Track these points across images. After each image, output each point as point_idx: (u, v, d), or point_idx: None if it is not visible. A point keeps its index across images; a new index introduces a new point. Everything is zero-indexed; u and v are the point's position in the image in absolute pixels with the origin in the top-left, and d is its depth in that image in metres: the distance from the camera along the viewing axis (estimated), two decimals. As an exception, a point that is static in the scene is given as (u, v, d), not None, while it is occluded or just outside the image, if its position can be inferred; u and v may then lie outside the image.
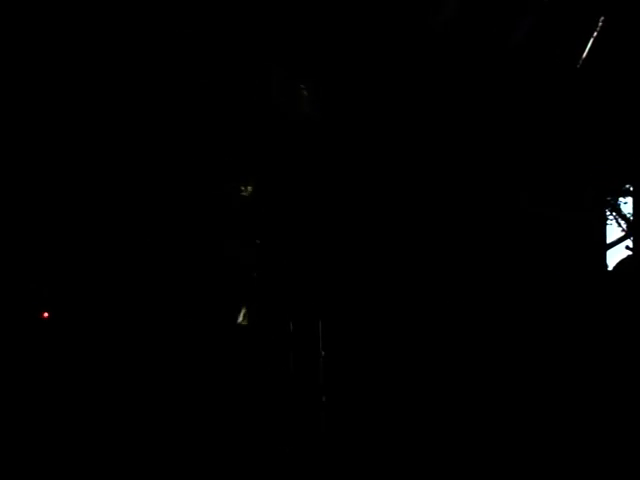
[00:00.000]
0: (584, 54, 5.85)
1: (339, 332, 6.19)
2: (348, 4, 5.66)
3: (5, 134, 5.70)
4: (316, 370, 6.01)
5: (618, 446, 5.63)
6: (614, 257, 6.17)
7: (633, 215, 6.04)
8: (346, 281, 6.25)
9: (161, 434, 5.63)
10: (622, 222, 5.98)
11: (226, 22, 5.60)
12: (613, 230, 6.04)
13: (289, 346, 6.11)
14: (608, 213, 6.03)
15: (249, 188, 6.49)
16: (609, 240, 6.29)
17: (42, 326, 5.83)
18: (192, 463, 5.57)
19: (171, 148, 6.10)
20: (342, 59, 5.82)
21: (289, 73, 5.83)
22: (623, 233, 6.05)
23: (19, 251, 5.88)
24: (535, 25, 5.73)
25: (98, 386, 5.71)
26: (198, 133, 6.03)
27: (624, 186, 5.99)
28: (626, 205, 6.02)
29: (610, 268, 6.23)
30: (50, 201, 6.05)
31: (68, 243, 6.12)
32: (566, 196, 5.96)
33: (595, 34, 5.82)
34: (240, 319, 6.23)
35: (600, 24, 5.82)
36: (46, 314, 5.57)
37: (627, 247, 6.06)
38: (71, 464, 5.41)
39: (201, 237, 6.26)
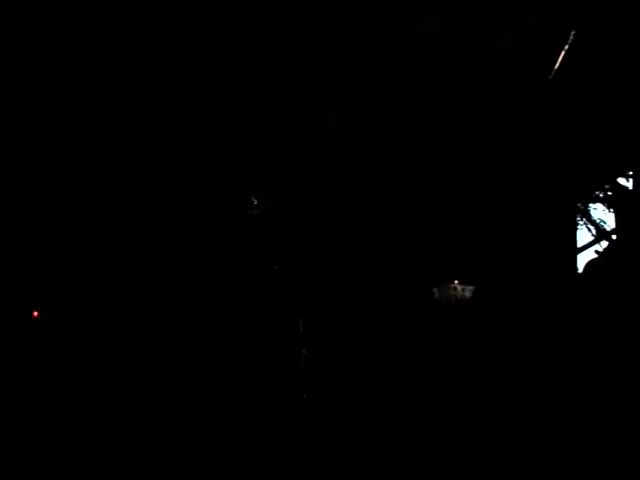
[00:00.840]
0: (556, 65, 6.05)
1: (322, 331, 6.32)
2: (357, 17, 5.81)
3: (6, 136, 5.74)
4: (298, 367, 6.14)
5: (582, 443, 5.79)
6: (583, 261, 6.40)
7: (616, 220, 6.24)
8: (340, 280, 6.38)
9: (153, 427, 5.74)
10: (592, 227, 6.20)
11: (258, 39, 5.70)
12: (583, 235, 6.26)
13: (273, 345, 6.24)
14: (578, 218, 6.25)
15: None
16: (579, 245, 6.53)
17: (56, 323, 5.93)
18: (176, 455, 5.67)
19: (190, 156, 6.20)
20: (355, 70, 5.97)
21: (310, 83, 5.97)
22: (593, 238, 6.27)
23: (22, 252, 5.94)
24: (524, 31, 5.89)
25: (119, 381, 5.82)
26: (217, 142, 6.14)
27: (594, 192, 6.21)
28: (595, 211, 6.25)
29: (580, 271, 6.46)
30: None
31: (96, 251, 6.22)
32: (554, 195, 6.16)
33: (567, 47, 6.02)
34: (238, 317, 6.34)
35: (572, 37, 6.03)
36: (36, 313, 5.64)
37: (596, 252, 6.28)
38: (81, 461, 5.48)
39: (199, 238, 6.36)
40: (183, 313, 6.45)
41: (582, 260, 6.40)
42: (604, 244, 6.24)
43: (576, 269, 6.33)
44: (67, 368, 6.02)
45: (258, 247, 6.65)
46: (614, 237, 6.14)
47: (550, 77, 6.11)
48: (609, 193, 6.10)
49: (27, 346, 6.02)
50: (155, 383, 6.06)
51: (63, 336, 6.18)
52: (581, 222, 6.22)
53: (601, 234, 6.20)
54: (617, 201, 6.03)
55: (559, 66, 6.10)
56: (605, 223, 6.23)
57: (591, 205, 6.20)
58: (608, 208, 6.15)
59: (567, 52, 6.09)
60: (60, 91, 5.94)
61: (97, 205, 6.60)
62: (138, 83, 6.04)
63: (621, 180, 6.14)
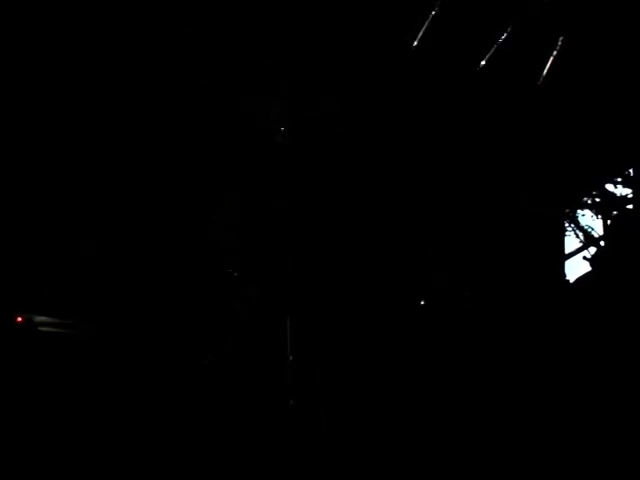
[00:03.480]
0: (544, 72, 6.04)
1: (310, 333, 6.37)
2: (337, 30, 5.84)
3: (3, 136, 5.83)
4: (284, 372, 6.18)
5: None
6: (572, 267, 6.38)
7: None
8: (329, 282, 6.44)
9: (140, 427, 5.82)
10: (580, 234, 6.18)
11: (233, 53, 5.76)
12: (571, 241, 6.25)
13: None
14: (567, 224, 6.24)
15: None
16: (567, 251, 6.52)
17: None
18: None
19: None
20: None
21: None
22: (581, 244, 6.26)
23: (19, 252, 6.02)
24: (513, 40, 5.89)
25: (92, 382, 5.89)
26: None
27: (582, 198, 6.19)
28: (584, 217, 6.24)
29: (568, 277, 6.45)
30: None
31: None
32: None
33: (556, 53, 6.01)
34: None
35: (560, 44, 6.02)
36: (20, 319, 5.73)
37: (585, 258, 6.26)
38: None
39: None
40: (175, 313, 6.50)
41: (570, 266, 6.40)
42: (592, 250, 6.23)
43: (564, 274, 6.33)
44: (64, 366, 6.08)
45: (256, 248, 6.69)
46: (602, 243, 6.14)
47: (540, 81, 6.11)
48: (597, 199, 6.09)
49: (26, 345, 6.10)
50: (138, 388, 6.11)
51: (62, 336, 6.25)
52: (569, 228, 6.22)
53: (589, 240, 6.18)
54: (606, 207, 6.02)
55: (552, 70, 6.09)
56: (593, 229, 6.23)
57: (579, 211, 6.20)
58: (596, 214, 6.14)
59: (560, 57, 6.08)
60: (58, 91, 5.98)
61: (96, 205, 6.65)
62: (137, 83, 6.08)
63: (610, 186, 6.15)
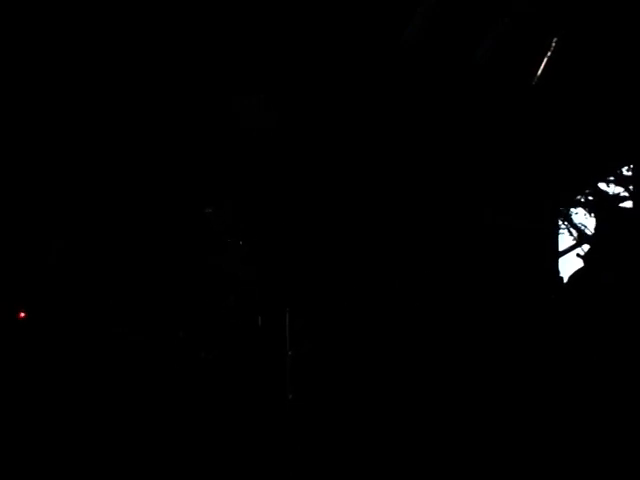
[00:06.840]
0: (539, 72, 6.11)
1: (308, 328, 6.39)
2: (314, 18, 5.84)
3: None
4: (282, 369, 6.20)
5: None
6: (565, 264, 6.45)
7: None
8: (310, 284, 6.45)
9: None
10: (573, 231, 6.29)
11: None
12: (565, 239, 6.34)
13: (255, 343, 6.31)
14: (560, 222, 6.32)
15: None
16: (561, 249, 6.59)
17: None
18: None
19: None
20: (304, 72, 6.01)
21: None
22: (574, 242, 6.36)
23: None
24: (497, 44, 5.94)
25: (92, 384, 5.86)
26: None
27: (576, 197, 6.28)
28: (577, 215, 6.34)
29: (561, 274, 6.51)
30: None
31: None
32: (524, 208, 6.20)
33: (549, 53, 6.09)
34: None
35: (554, 44, 6.10)
36: (22, 314, 5.72)
37: (578, 255, 6.35)
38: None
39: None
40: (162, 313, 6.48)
41: (564, 263, 6.47)
42: (585, 247, 6.31)
43: (558, 273, 6.39)
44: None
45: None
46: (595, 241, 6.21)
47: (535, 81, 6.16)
48: (590, 198, 6.18)
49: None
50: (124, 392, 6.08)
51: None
52: (563, 226, 6.32)
53: (582, 238, 6.28)
54: (597, 206, 6.10)
55: (546, 69, 6.15)
56: (586, 227, 6.33)
57: (572, 209, 6.30)
58: (589, 213, 6.24)
59: (554, 56, 6.14)
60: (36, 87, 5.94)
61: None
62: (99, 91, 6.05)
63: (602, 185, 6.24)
